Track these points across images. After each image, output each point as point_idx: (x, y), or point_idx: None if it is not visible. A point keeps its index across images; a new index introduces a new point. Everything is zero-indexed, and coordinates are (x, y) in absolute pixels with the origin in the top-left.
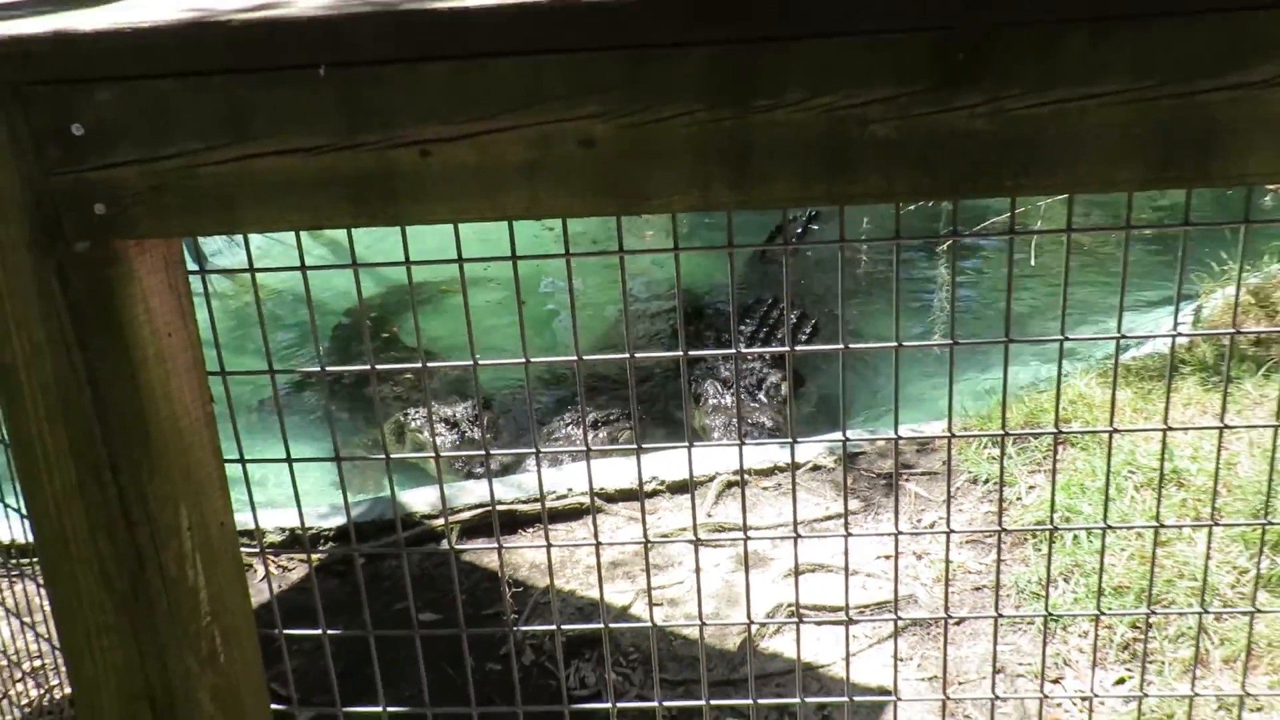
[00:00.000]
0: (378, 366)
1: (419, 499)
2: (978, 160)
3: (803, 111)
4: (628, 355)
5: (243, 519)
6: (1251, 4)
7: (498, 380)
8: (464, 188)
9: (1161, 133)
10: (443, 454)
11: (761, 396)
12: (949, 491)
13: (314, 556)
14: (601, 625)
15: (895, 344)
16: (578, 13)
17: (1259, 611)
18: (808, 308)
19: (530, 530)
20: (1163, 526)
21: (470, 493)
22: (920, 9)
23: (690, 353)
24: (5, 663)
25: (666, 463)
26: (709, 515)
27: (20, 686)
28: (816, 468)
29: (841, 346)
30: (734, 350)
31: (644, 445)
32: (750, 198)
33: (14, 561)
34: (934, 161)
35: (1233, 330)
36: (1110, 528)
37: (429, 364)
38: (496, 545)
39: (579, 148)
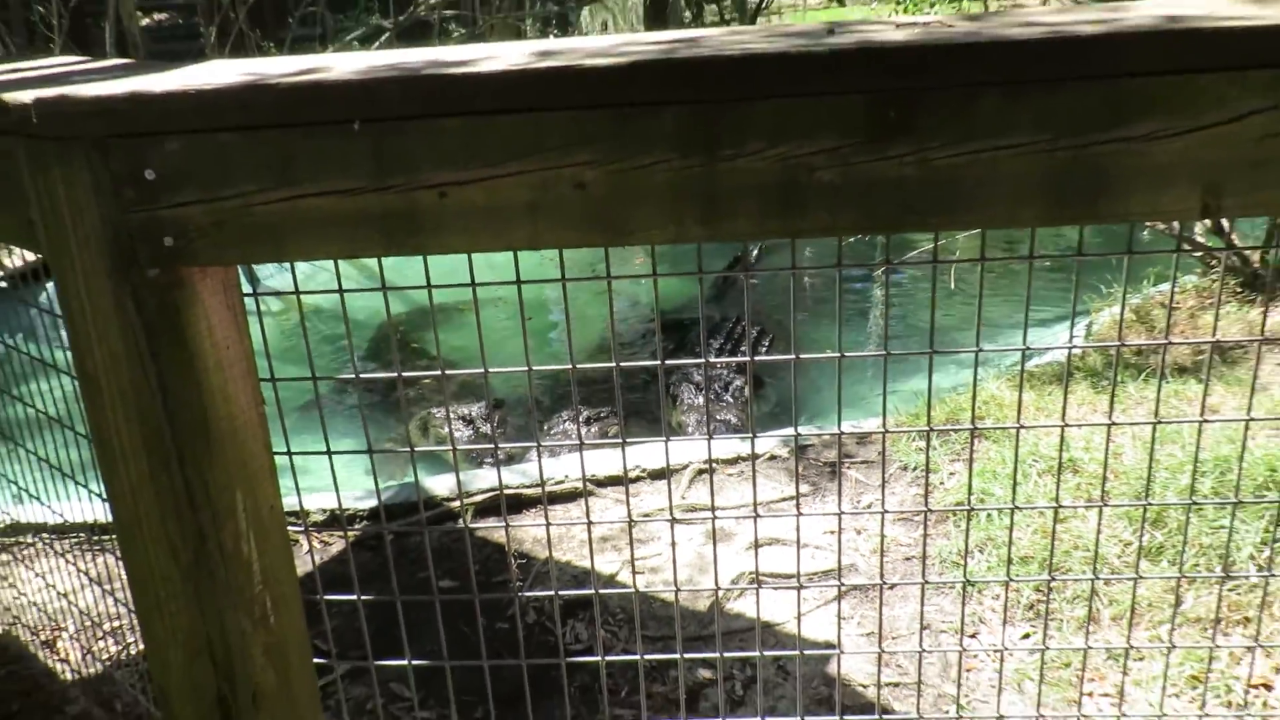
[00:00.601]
0: (404, 373)
1: (439, 484)
2: (907, 201)
3: (761, 160)
4: (614, 364)
5: (290, 502)
6: (1130, 72)
7: (506, 384)
8: (476, 224)
9: (1059, 178)
10: (459, 447)
11: (728, 398)
12: (884, 477)
13: (350, 533)
14: (593, 591)
15: (838, 354)
16: (572, 77)
17: (1141, 577)
18: (765, 323)
19: (533, 511)
20: (1061, 507)
21: (482, 479)
22: (859, 75)
23: (667, 362)
24: (89, 623)
25: (647, 453)
26: (683, 498)
27: (102, 644)
28: (773, 457)
29: (793, 357)
30: (704, 360)
31: (628, 439)
32: (717, 232)
33: (96, 538)
34: (870, 202)
35: (1118, 343)
36: (1017, 508)
37: (447, 371)
38: (504, 523)
39: (573, 190)
